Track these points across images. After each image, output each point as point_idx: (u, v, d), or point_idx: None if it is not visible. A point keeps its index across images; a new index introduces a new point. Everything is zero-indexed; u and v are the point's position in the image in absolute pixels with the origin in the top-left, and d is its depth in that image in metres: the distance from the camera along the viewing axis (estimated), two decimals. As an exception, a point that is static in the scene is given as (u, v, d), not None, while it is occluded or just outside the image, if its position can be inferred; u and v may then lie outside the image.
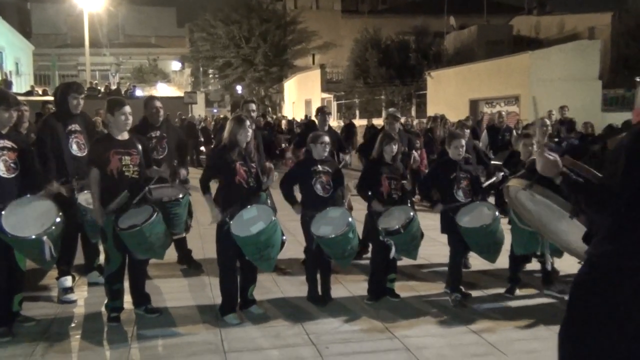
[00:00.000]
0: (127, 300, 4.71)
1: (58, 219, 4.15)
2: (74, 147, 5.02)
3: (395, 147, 5.15)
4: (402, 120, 10.36)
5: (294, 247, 6.18)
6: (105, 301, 4.62)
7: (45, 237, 4.02)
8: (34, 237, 4.00)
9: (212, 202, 4.55)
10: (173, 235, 5.06)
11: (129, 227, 4.25)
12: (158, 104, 5.69)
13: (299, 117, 25.23)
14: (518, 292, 5.29)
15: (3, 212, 4.00)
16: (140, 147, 4.56)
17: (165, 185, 5.15)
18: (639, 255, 2.23)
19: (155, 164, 5.44)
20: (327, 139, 5.09)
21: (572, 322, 2.42)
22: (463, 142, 5.21)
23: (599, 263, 2.34)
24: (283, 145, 15.85)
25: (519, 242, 5.07)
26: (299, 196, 5.08)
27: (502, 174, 5.57)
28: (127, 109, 4.49)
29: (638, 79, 2.44)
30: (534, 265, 5.58)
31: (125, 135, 4.53)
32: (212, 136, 16.84)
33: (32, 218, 4.08)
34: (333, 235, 4.64)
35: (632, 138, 2.29)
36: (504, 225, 5.12)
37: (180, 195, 4.91)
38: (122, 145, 4.44)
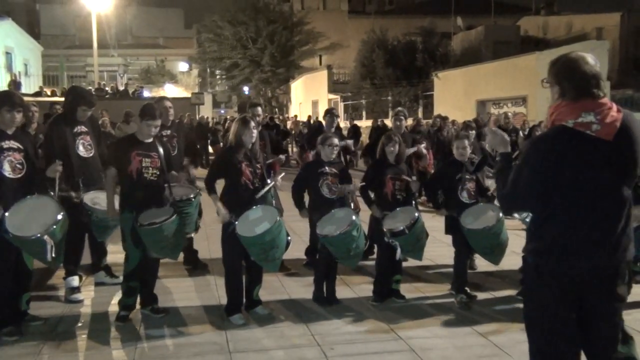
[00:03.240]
0: (139, 299, 4.75)
1: (59, 217, 4.17)
2: (81, 148, 5.06)
3: (396, 148, 5.15)
4: (409, 121, 10.36)
5: (299, 248, 6.20)
6: (119, 298, 4.67)
7: (46, 237, 4.03)
8: (33, 236, 4.02)
9: (218, 202, 4.58)
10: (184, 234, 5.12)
11: (148, 223, 4.32)
12: (168, 103, 5.84)
13: (305, 118, 25.18)
14: None
15: (7, 213, 4.03)
16: (162, 150, 4.61)
17: (174, 185, 5.22)
18: (550, 252, 2.29)
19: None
20: (335, 141, 5.12)
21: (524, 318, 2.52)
22: (466, 143, 5.19)
23: (525, 262, 2.46)
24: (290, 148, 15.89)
25: None
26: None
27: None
28: (157, 122, 4.56)
29: (544, 80, 2.42)
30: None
31: (149, 138, 4.58)
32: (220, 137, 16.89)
33: (35, 217, 4.10)
34: (337, 233, 4.65)
35: (528, 145, 2.41)
36: (509, 227, 5.10)
37: (192, 195, 4.95)
38: (145, 148, 4.51)
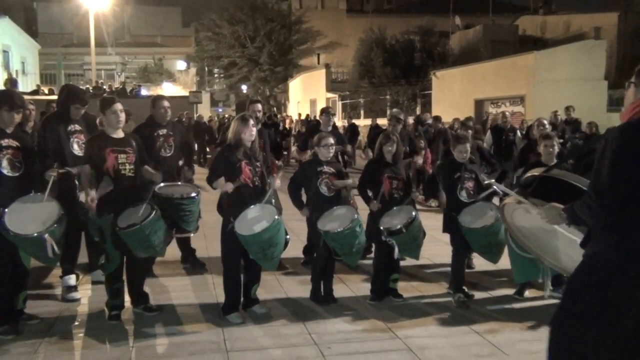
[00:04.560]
0: (129, 299, 4.73)
1: (59, 216, 4.17)
2: (75, 146, 5.04)
3: (394, 148, 5.14)
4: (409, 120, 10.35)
5: (297, 247, 6.19)
6: (106, 299, 4.64)
7: (46, 235, 4.03)
8: (35, 235, 4.02)
9: (222, 181, 4.50)
10: (184, 232, 5.11)
11: (128, 226, 4.26)
12: (166, 104, 5.72)
13: (302, 116, 25.16)
14: (527, 293, 5.25)
15: (6, 210, 4.03)
16: (135, 145, 4.57)
17: (175, 184, 5.21)
18: (627, 253, 2.25)
19: (163, 161, 5.48)
20: (331, 140, 5.11)
21: (564, 319, 2.44)
22: (468, 147, 5.17)
23: (590, 262, 2.38)
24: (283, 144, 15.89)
25: (518, 269, 4.79)
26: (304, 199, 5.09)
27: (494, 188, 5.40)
28: (118, 106, 4.47)
29: (628, 82, 2.49)
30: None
31: (120, 133, 4.54)
32: (216, 136, 16.87)
33: (35, 216, 4.10)
34: (340, 229, 4.66)
35: (616, 135, 2.33)
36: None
37: (194, 194, 4.93)
38: (118, 144, 4.45)
